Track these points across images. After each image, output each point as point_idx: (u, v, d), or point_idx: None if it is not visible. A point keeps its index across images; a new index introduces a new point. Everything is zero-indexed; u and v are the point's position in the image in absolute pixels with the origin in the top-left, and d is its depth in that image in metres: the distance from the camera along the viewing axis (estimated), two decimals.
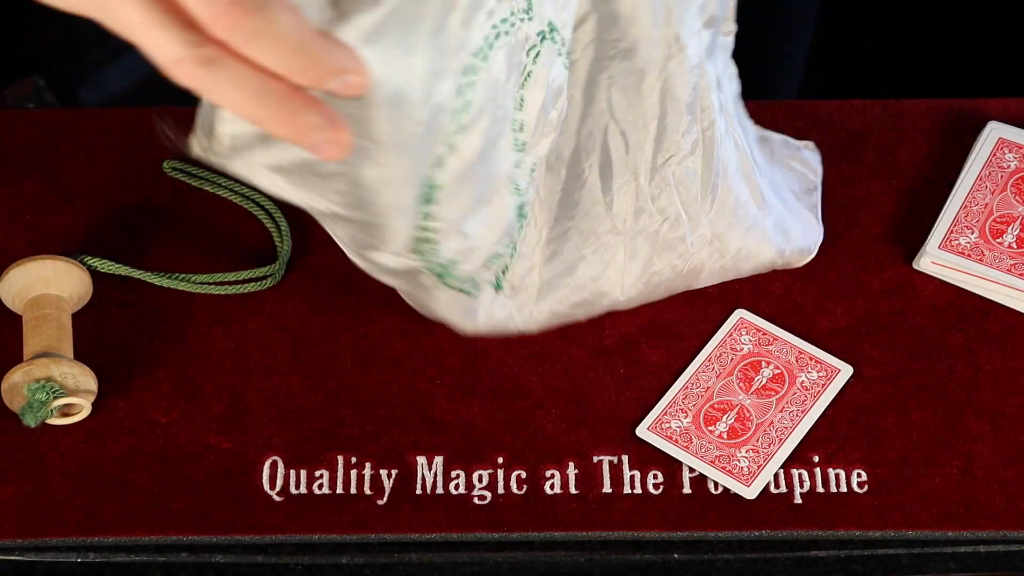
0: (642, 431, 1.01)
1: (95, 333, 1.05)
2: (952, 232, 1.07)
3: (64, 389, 1.00)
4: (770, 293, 1.07)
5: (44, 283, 1.04)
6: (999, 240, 1.07)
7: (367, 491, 1.00)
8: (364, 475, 1.00)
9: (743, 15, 1.10)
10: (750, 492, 0.98)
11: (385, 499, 0.99)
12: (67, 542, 0.98)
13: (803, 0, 1.41)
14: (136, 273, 1.07)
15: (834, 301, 1.07)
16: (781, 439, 1.00)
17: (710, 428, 1.01)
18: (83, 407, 1.01)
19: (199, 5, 0.71)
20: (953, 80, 1.26)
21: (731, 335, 1.04)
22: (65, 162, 1.13)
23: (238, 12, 0.70)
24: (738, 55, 1.02)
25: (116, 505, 0.98)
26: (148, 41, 0.73)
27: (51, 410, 0.99)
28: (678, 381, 1.03)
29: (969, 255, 1.06)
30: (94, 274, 1.06)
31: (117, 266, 1.07)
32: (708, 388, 1.02)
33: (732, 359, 1.03)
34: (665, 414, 1.01)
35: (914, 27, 1.07)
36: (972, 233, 1.07)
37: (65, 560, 0.98)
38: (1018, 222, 1.08)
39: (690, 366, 1.03)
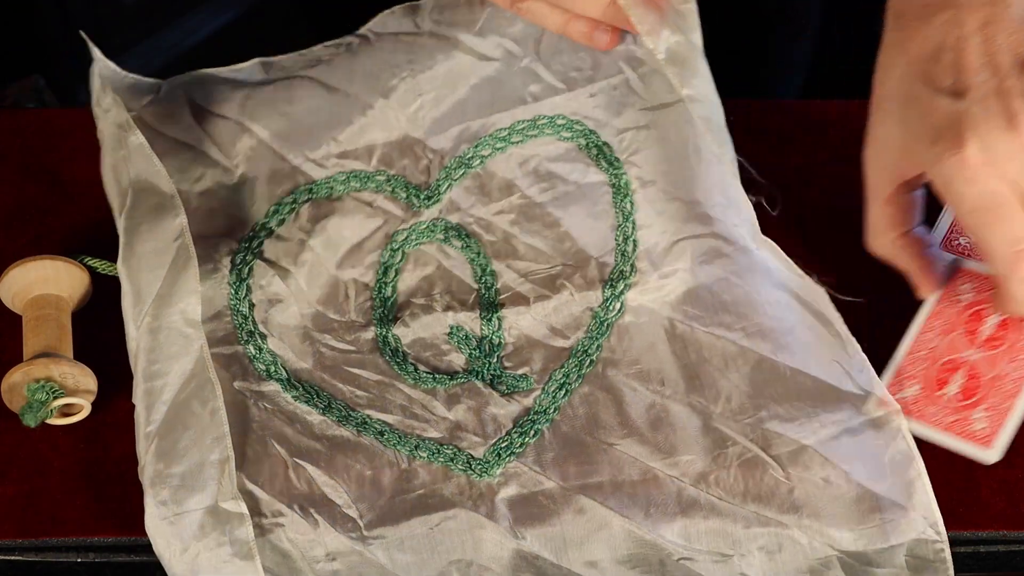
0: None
1: (95, 333, 1.05)
2: (952, 232, 1.07)
3: (64, 389, 1.00)
4: None
5: (44, 283, 1.04)
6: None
7: None
8: None
9: (745, 14, 1.10)
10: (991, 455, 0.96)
11: None
12: (67, 542, 0.98)
13: (802, 5, 1.41)
14: None
15: (834, 302, 1.06)
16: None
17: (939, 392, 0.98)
18: (83, 407, 1.01)
19: None
20: None
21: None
22: (65, 162, 1.13)
23: None
24: (740, 54, 1.03)
25: (116, 505, 0.98)
26: None
27: (51, 410, 0.99)
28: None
29: (969, 255, 1.06)
30: (94, 274, 1.06)
31: (117, 266, 1.07)
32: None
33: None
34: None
35: None
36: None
37: (65, 560, 0.98)
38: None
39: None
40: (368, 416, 1.00)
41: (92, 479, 0.99)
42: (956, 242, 1.07)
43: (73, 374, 1.00)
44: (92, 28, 1.15)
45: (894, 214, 1.01)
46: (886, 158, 0.99)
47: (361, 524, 0.96)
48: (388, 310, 1.05)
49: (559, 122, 1.11)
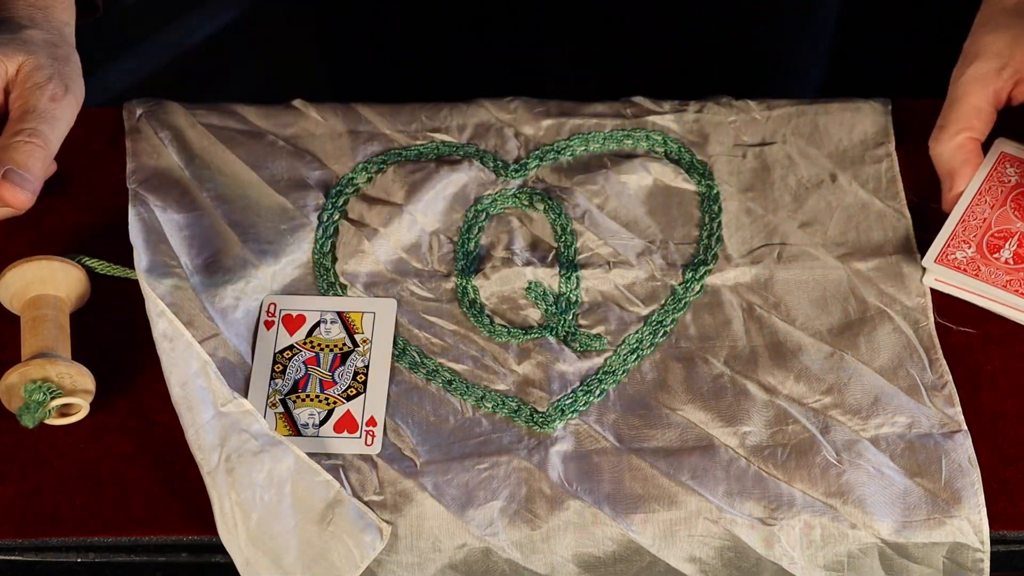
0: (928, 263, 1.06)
1: (94, 333, 1.05)
2: (949, 246, 1.07)
3: (61, 389, 1.00)
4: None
5: (42, 283, 1.04)
6: (995, 255, 1.06)
7: None
8: None
9: (760, 16, 1.10)
10: None
11: None
12: (67, 542, 0.98)
13: (819, 2, 1.41)
14: (135, 274, 1.07)
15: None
16: None
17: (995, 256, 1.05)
18: (81, 407, 1.00)
19: None
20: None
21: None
22: (65, 162, 1.12)
23: None
24: (758, 50, 1.02)
25: (116, 505, 0.98)
26: None
27: (49, 410, 0.99)
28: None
29: (965, 270, 1.06)
30: (93, 274, 1.06)
31: (115, 267, 1.07)
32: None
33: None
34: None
35: (915, 27, 1.07)
36: (969, 248, 1.07)
37: (65, 560, 0.98)
38: (1015, 238, 1.07)
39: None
40: (440, 364, 1.04)
41: (92, 479, 0.99)
42: (952, 256, 1.07)
43: (71, 374, 1.00)
44: (92, 28, 1.15)
45: (972, 117, 1.07)
46: (985, 67, 1.07)
47: (418, 463, 0.99)
48: (470, 263, 1.09)
49: (655, 136, 1.15)
